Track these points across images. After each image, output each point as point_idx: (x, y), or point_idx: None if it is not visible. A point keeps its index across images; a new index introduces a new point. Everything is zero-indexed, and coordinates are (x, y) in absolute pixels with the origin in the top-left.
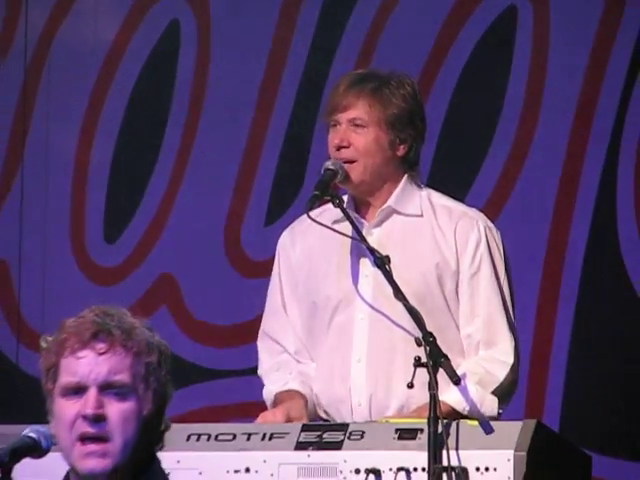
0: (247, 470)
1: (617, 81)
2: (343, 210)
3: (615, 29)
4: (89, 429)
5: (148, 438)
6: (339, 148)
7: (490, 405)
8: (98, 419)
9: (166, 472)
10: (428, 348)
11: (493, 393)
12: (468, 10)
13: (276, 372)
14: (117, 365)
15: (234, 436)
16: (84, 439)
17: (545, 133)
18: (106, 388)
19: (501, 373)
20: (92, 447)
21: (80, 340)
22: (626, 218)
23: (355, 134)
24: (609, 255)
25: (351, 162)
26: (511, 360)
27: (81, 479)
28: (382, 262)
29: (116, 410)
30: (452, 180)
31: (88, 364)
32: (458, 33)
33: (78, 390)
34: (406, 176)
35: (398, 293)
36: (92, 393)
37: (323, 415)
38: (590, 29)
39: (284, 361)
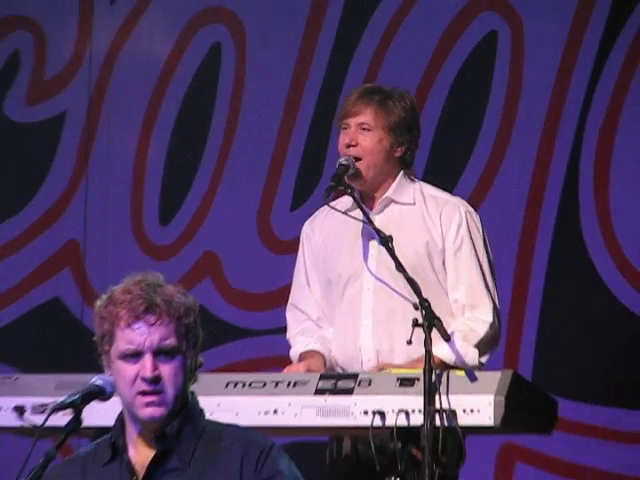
0: (275, 412)
1: (579, 94)
2: (354, 197)
3: (577, 50)
4: (147, 387)
5: (189, 381)
6: (348, 146)
7: (472, 356)
8: (155, 380)
9: (208, 413)
10: (424, 312)
11: (475, 346)
12: (458, 33)
13: (301, 336)
14: (165, 332)
15: (264, 384)
16: (144, 393)
17: (519, 139)
18: (159, 353)
19: (482, 330)
20: (151, 398)
21: (134, 315)
22: (588, 210)
23: (362, 136)
24: (570, 230)
25: (357, 160)
26: (490, 319)
27: (140, 422)
28: (386, 241)
29: (168, 369)
30: (443, 175)
31: (142, 334)
32: (450, 52)
33: (135, 355)
34: (402, 172)
35: (399, 266)
36: (148, 358)
37: (339, 371)
38: (557, 50)
39: (307, 327)
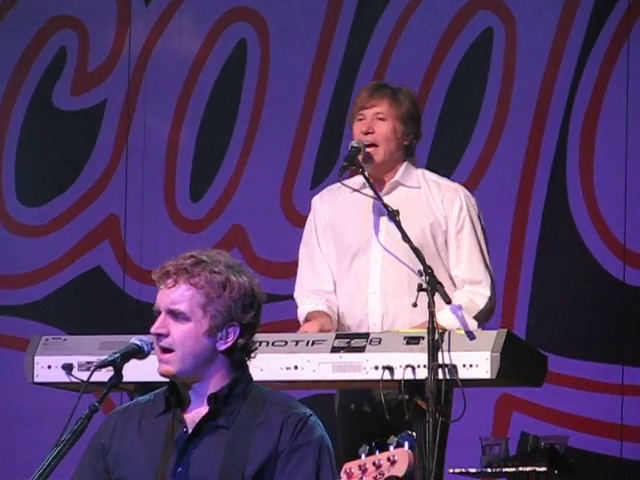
0: (295, 367)
1: (566, 84)
2: (364, 176)
3: (564, 44)
4: (158, 343)
5: (209, 350)
6: (366, 133)
7: (472, 326)
8: (160, 335)
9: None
10: (427, 277)
11: (475, 318)
12: (457, 30)
13: (308, 297)
14: (177, 297)
15: (286, 342)
16: (159, 349)
17: (512, 125)
18: (170, 313)
19: (482, 302)
20: (161, 355)
21: (160, 278)
22: (574, 189)
23: (378, 124)
24: (559, 209)
25: (374, 146)
26: (488, 293)
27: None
28: (393, 214)
29: (176, 329)
30: (444, 160)
31: (161, 295)
32: (450, 48)
33: (159, 313)
34: (407, 160)
35: (405, 237)
36: (160, 316)
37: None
38: (546, 44)
39: (315, 289)
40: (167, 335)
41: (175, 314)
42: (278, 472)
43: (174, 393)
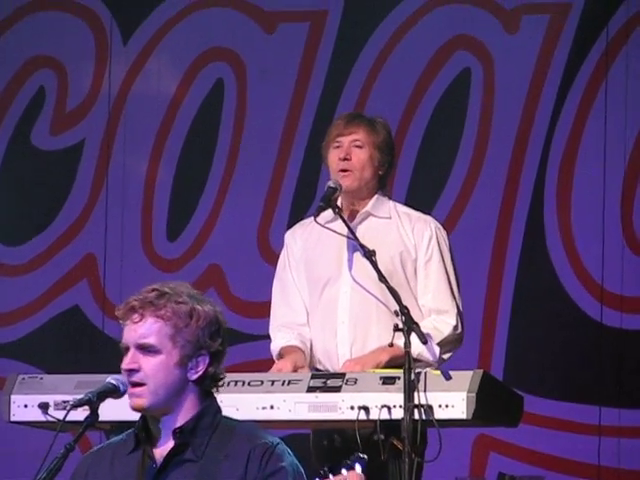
0: (271, 407)
1: (543, 125)
2: (340, 215)
3: (541, 84)
4: (129, 378)
5: (183, 380)
6: (343, 159)
7: (435, 352)
8: (131, 371)
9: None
10: (403, 317)
11: (438, 344)
12: (436, 69)
13: (280, 332)
14: (146, 331)
15: (262, 382)
16: (130, 384)
17: (491, 164)
18: (139, 348)
19: (446, 330)
20: (132, 389)
21: (124, 314)
22: (552, 228)
23: (355, 151)
24: (537, 248)
25: (348, 171)
26: (454, 322)
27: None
28: (369, 254)
29: (146, 363)
30: (422, 197)
31: (128, 330)
32: (429, 86)
33: (127, 349)
34: (379, 191)
35: (381, 277)
36: (130, 352)
37: (317, 365)
38: (524, 84)
39: (287, 323)
40: (138, 370)
41: (144, 348)
42: None
43: (143, 429)
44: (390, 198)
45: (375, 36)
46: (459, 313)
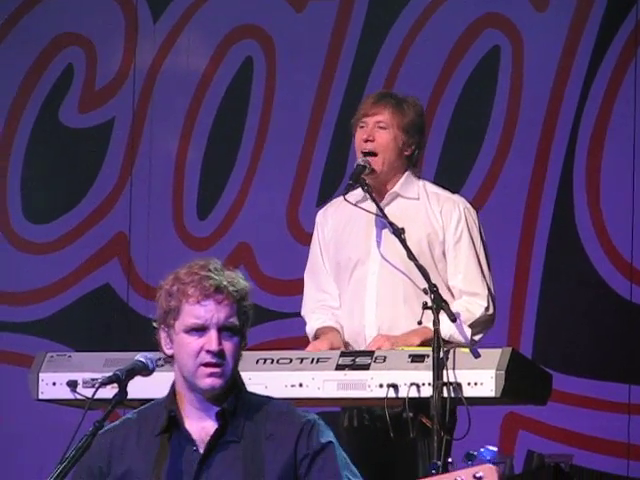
0: (300, 385)
1: (573, 101)
2: (369, 193)
3: (571, 61)
4: (212, 360)
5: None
6: (366, 141)
7: (466, 333)
8: (219, 353)
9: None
10: (432, 295)
11: (469, 326)
12: (465, 47)
13: (315, 313)
14: (230, 311)
15: (290, 360)
16: (207, 365)
17: (520, 142)
18: (223, 329)
19: (477, 312)
20: (213, 369)
21: (204, 293)
22: (581, 205)
23: (379, 133)
24: (566, 226)
25: (373, 154)
26: (485, 303)
27: (199, 392)
28: (398, 232)
29: (229, 345)
30: (451, 176)
31: (210, 311)
32: (458, 64)
33: (202, 329)
34: (408, 170)
35: (410, 255)
36: (214, 333)
37: (346, 347)
38: (553, 61)
39: (321, 305)
40: (223, 351)
41: (228, 329)
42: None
43: (177, 409)
44: (420, 177)
45: (404, 14)
46: (490, 294)
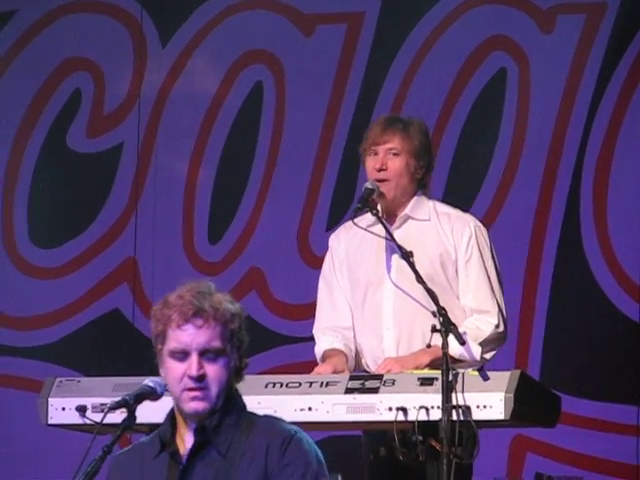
0: (309, 409)
1: (579, 124)
2: (378, 217)
3: (577, 84)
4: (193, 385)
5: (234, 380)
6: (379, 170)
7: (476, 352)
8: (200, 378)
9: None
10: (441, 319)
11: (480, 344)
12: (472, 70)
13: (325, 334)
14: (211, 335)
15: (300, 384)
16: (190, 389)
17: (527, 164)
18: (204, 353)
19: (488, 330)
20: (195, 393)
21: (184, 317)
22: (588, 227)
23: (391, 160)
24: (573, 246)
25: (385, 181)
26: (495, 321)
27: (186, 416)
28: (407, 256)
29: (212, 369)
30: (459, 197)
31: (190, 335)
32: (465, 87)
33: (183, 354)
34: (419, 192)
35: (419, 278)
36: (194, 358)
37: (366, 368)
38: (560, 84)
39: (332, 326)
40: (205, 375)
41: (210, 352)
42: None
43: (169, 432)
44: (430, 198)
45: (412, 37)
46: (500, 312)
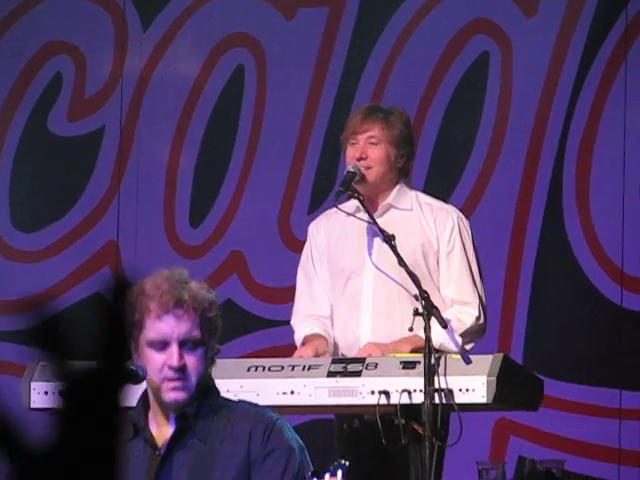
0: (292, 392)
1: (562, 107)
2: (360, 201)
3: (560, 67)
4: (174, 375)
5: (210, 367)
6: (359, 159)
7: (457, 342)
8: (181, 368)
9: (232, 394)
10: (423, 302)
11: (461, 335)
12: (454, 54)
13: (304, 322)
14: (191, 325)
15: (282, 367)
16: (170, 379)
17: (509, 148)
18: (185, 343)
19: (468, 321)
20: (176, 383)
21: (164, 308)
22: (571, 212)
23: (371, 149)
24: (556, 231)
25: (368, 168)
26: (476, 313)
27: (164, 405)
28: (389, 238)
29: (191, 359)
30: (441, 183)
31: (170, 326)
32: (447, 71)
33: (163, 344)
34: (401, 182)
35: (401, 261)
36: (175, 349)
37: (341, 355)
38: (542, 67)
39: (310, 315)
40: (185, 365)
41: (190, 342)
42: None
43: (143, 417)
44: (412, 187)
45: (394, 20)
46: (481, 304)
